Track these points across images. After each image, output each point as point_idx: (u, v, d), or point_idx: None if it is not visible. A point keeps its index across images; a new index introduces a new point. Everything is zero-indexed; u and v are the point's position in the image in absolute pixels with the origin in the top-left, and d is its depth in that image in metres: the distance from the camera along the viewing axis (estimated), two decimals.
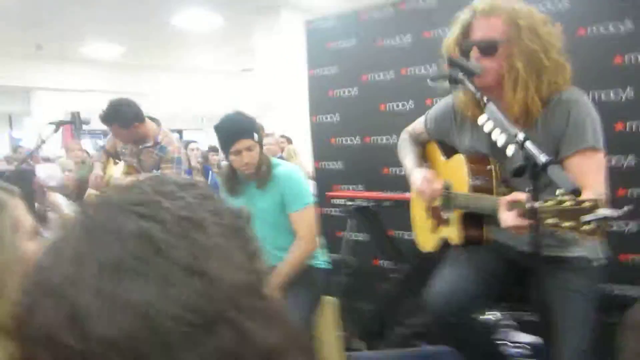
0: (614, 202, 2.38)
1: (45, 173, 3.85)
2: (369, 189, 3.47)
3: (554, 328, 1.64)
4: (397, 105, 3.45)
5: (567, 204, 1.26)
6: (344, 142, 3.73)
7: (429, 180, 1.96)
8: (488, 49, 1.73)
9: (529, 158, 1.29)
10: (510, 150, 1.35)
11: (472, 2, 1.83)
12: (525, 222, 1.42)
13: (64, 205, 4.16)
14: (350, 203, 2.94)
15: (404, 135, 2.27)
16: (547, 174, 1.24)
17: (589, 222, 1.23)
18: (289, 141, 6.30)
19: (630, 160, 2.41)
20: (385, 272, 3.13)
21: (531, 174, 1.29)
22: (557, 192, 1.28)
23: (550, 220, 1.30)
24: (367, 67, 3.56)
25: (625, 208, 1.25)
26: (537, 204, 1.33)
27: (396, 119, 3.33)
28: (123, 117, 3.27)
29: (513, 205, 1.49)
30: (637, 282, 2.41)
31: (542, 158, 1.25)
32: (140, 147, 3.45)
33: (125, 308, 0.44)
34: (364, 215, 2.91)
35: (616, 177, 2.40)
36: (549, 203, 1.30)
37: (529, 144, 1.30)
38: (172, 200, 0.50)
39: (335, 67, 3.76)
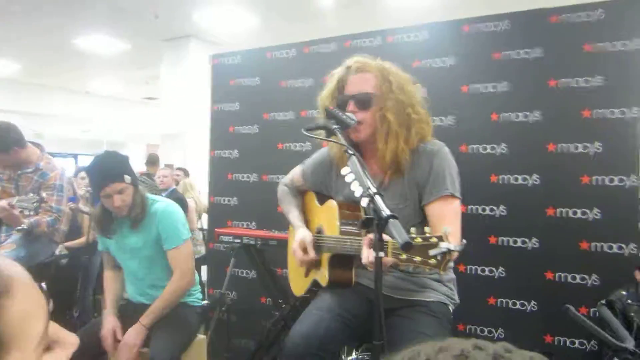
0: (485, 250, 2.57)
1: None
2: (262, 226, 3.46)
3: None
4: (295, 146, 3.50)
5: (417, 240, 1.36)
6: (240, 178, 3.71)
7: (304, 247, 1.99)
8: (363, 102, 1.83)
9: (376, 211, 1.35)
10: (364, 202, 1.42)
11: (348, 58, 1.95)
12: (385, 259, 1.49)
13: None
14: (236, 240, 2.90)
15: (284, 188, 2.31)
16: (388, 227, 1.32)
17: (435, 256, 1.35)
18: (186, 174, 6.15)
19: (501, 210, 2.59)
20: (271, 310, 3.10)
21: (377, 226, 1.36)
22: (411, 229, 1.37)
23: (404, 256, 1.39)
24: (269, 106, 3.60)
25: (463, 241, 1.40)
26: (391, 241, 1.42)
27: (293, 158, 3.38)
28: (1, 141, 3.08)
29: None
30: (501, 323, 2.58)
31: (385, 213, 1.33)
32: (19, 172, 3.26)
33: None
34: (249, 253, 2.88)
35: (489, 226, 2.58)
36: None
37: (377, 199, 1.39)
38: None
39: (238, 104, 3.77)
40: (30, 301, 0.57)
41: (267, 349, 2.73)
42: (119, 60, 9.47)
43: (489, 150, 2.65)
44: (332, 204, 1.97)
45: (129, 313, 2.49)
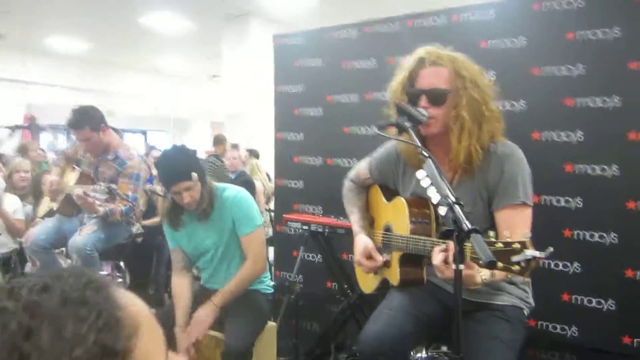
0: (558, 243, 2.49)
1: None
2: (328, 211, 3.49)
3: None
4: (360, 129, 3.48)
5: (499, 245, 1.32)
6: (306, 161, 3.74)
7: (369, 255, 1.98)
8: (437, 98, 1.78)
9: (456, 222, 1.33)
10: (442, 210, 1.40)
11: (418, 48, 1.89)
12: (450, 265, 1.48)
13: (15, 208, 4.06)
14: (304, 227, 2.95)
15: (349, 184, 2.30)
16: (470, 240, 1.29)
17: (518, 263, 1.31)
18: (254, 155, 6.23)
19: (577, 202, 2.49)
20: (338, 295, 3.15)
21: (456, 238, 1.33)
22: (490, 233, 1.34)
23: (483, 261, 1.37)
24: (332, 88, 3.58)
25: (550, 249, 1.32)
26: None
27: (358, 142, 3.37)
28: (93, 119, 3.27)
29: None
30: (575, 321, 2.51)
31: (466, 226, 1.30)
32: (100, 158, 3.42)
33: None
34: (317, 240, 2.93)
35: (563, 218, 2.49)
36: None
37: (457, 209, 1.35)
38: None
39: (302, 86, 3.77)
40: (155, 339, 0.58)
41: (334, 336, 2.79)
42: (183, 39, 9.66)
43: (563, 138, 2.53)
44: (401, 201, 1.95)
45: (202, 299, 2.60)
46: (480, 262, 1.35)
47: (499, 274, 1.47)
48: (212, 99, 13.07)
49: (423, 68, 1.83)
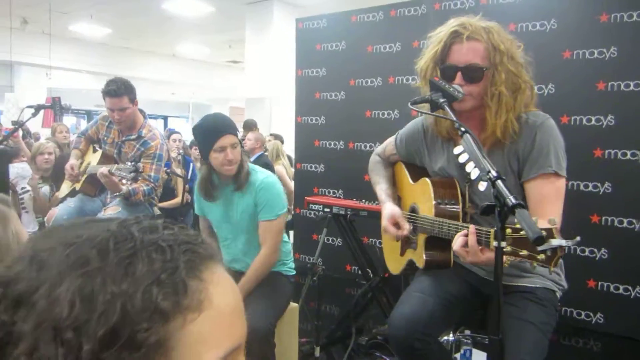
0: (585, 229, 2.44)
1: (16, 172, 3.79)
2: (349, 195, 3.47)
3: (507, 356, 1.64)
4: (383, 114, 3.44)
5: (524, 232, 1.27)
6: (327, 145, 3.72)
7: (396, 222, 1.94)
8: (474, 75, 1.70)
9: (498, 197, 1.28)
10: (482, 186, 1.34)
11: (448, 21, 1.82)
12: (471, 250, 1.43)
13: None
14: (326, 209, 2.93)
15: (375, 158, 2.25)
16: (514, 216, 1.24)
17: (544, 251, 1.26)
18: (278, 139, 6.15)
19: (606, 187, 2.43)
20: (357, 278, 3.13)
21: (499, 214, 1.28)
22: (516, 220, 1.29)
23: (508, 248, 1.32)
24: (355, 72, 3.55)
25: (578, 238, 1.26)
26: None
27: (381, 126, 3.34)
28: (131, 91, 3.28)
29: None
30: (601, 308, 2.46)
31: (511, 201, 1.25)
32: (124, 138, 3.42)
33: None
34: (339, 223, 2.90)
35: (591, 204, 2.44)
36: (507, 231, 1.31)
37: (499, 184, 1.30)
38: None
39: (324, 70, 3.75)
40: (216, 329, 0.60)
41: (355, 318, 2.77)
42: (203, 24, 9.66)
43: (593, 122, 2.48)
44: (426, 181, 1.91)
45: None
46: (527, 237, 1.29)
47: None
48: (231, 85, 13.09)
49: (457, 43, 1.75)
